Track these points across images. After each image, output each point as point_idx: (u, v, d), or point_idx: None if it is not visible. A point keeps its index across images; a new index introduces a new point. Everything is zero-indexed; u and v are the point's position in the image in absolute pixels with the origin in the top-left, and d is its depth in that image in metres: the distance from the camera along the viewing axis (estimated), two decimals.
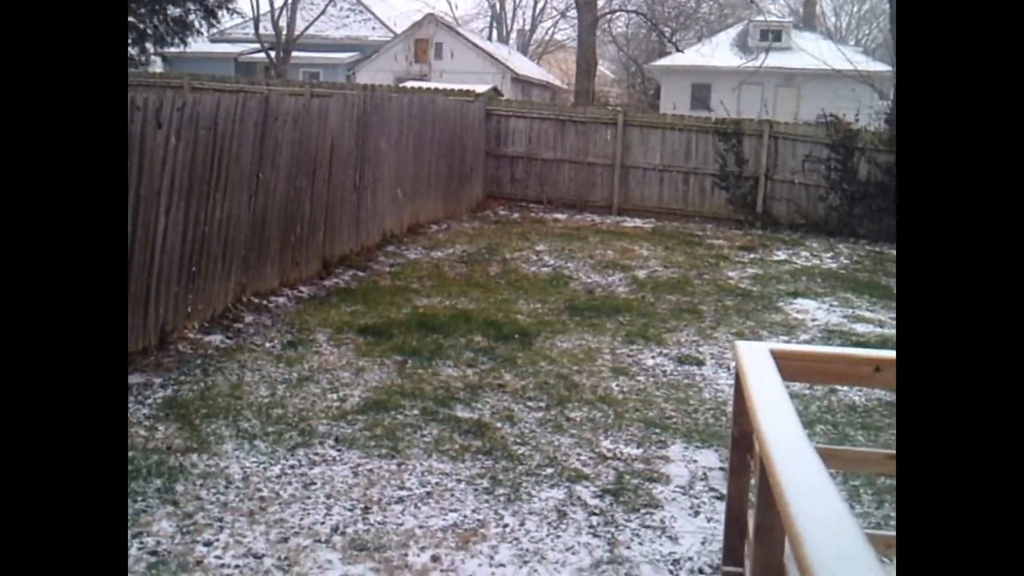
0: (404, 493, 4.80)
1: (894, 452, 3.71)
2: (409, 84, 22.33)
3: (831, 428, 6.18)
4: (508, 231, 13.92)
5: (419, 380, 6.62)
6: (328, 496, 4.71)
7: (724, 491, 4.33)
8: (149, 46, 24.82)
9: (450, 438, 5.58)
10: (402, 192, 12.51)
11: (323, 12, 38.40)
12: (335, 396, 6.20)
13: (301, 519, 4.45)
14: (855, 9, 55.01)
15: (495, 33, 52.45)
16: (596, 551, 4.31)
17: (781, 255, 13.43)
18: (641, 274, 11.26)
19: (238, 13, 30.22)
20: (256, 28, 35.62)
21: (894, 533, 3.95)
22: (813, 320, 9.40)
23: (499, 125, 16.98)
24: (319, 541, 4.25)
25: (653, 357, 7.70)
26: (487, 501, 4.76)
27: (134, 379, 6.22)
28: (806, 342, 8.31)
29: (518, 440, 5.63)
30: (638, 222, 15.87)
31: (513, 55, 43.75)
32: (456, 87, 20.63)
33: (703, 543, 4.46)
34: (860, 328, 9.17)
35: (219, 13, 23.87)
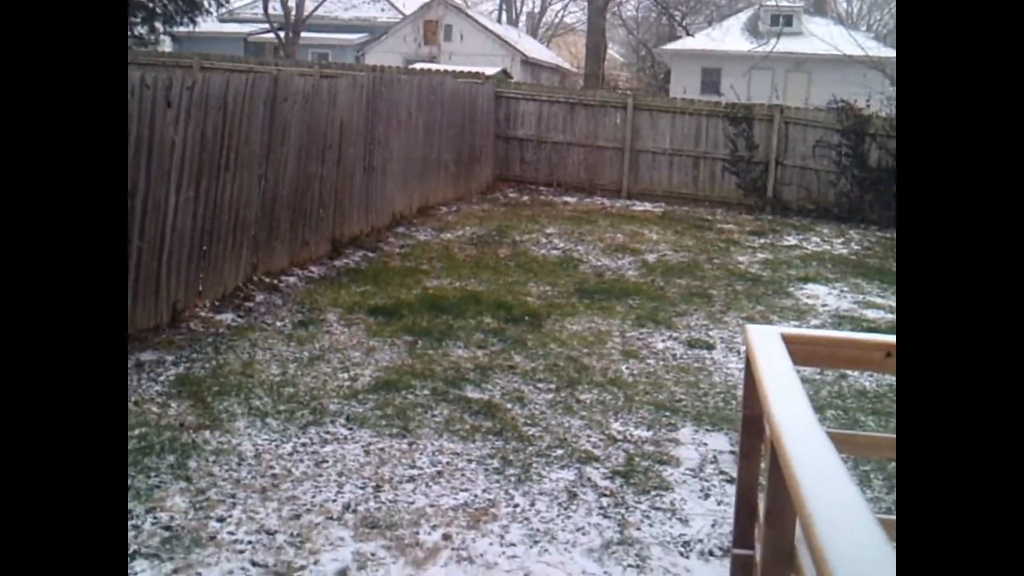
0: (415, 472, 4.83)
1: None
2: (418, 66, 22.27)
3: (841, 413, 6.19)
4: (518, 214, 13.92)
5: (429, 360, 6.65)
6: (340, 474, 4.74)
7: (734, 474, 4.35)
8: (158, 25, 24.77)
9: (461, 418, 5.61)
10: (412, 173, 12.51)
11: None
12: (346, 375, 6.23)
13: (313, 496, 4.48)
14: None
15: (505, 15, 52.26)
16: (606, 532, 4.34)
17: (791, 240, 13.41)
18: (651, 258, 11.26)
19: None
20: (265, 8, 35.55)
21: None
22: (823, 305, 9.40)
23: (509, 108, 16.95)
24: (331, 518, 4.28)
25: (663, 340, 7.71)
26: (498, 481, 4.79)
27: (146, 356, 6.26)
28: (816, 327, 8.31)
29: (528, 421, 5.65)
30: (648, 206, 15.85)
31: (523, 38, 43.60)
32: (465, 69, 20.57)
33: (713, 525, 4.49)
34: (871, 314, 9.16)
35: None
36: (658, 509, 4.62)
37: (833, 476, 2.14)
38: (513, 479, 4.83)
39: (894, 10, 41.81)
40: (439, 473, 4.84)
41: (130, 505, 4.23)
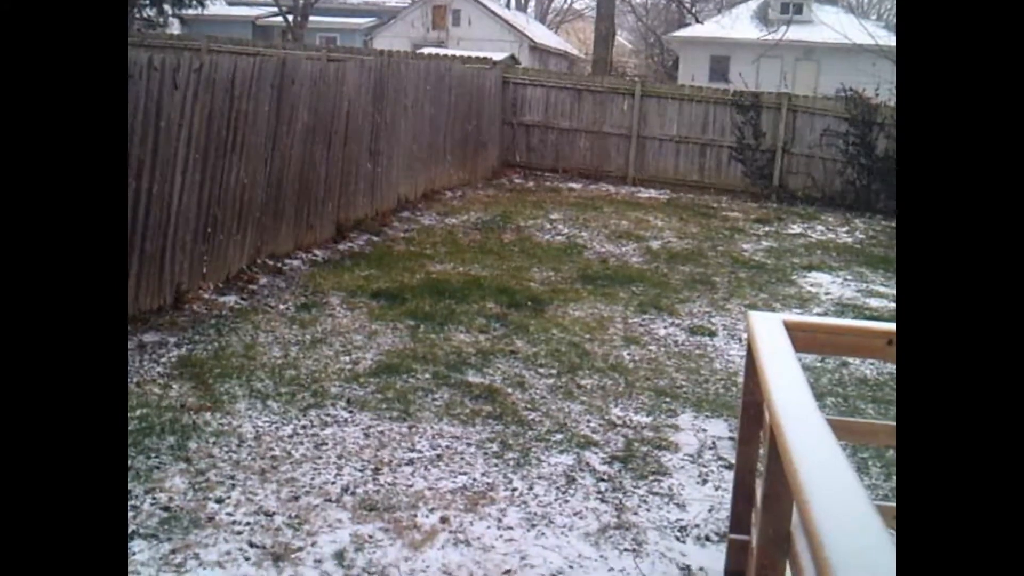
0: (414, 455, 4.84)
1: None
2: (426, 51, 22.22)
3: (842, 401, 6.18)
4: (523, 199, 13.90)
5: (431, 345, 6.64)
6: (339, 457, 4.75)
7: (732, 460, 4.34)
8: (167, 7, 24.76)
9: (461, 402, 5.61)
10: (418, 157, 12.49)
11: None
12: (347, 359, 6.24)
13: (312, 479, 4.49)
14: None
15: (513, 1, 52.06)
16: (604, 516, 4.35)
17: (796, 228, 13.38)
18: (655, 245, 11.24)
19: None
20: None
21: None
22: (827, 294, 9.38)
23: (516, 93, 16.90)
24: (329, 500, 4.29)
25: (665, 327, 7.70)
26: (496, 465, 4.80)
27: (149, 337, 6.27)
28: (819, 315, 8.30)
29: (528, 406, 5.65)
30: (653, 193, 15.82)
31: (531, 23, 43.45)
32: (473, 54, 20.50)
33: (710, 511, 4.48)
34: (874, 302, 9.14)
35: None
36: (656, 494, 4.62)
37: (831, 463, 2.13)
38: (512, 463, 4.83)
39: None
40: (438, 456, 4.84)
41: (129, 485, 4.24)
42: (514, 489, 4.54)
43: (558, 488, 4.59)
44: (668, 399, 5.98)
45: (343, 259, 9.18)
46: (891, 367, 6.78)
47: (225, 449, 4.74)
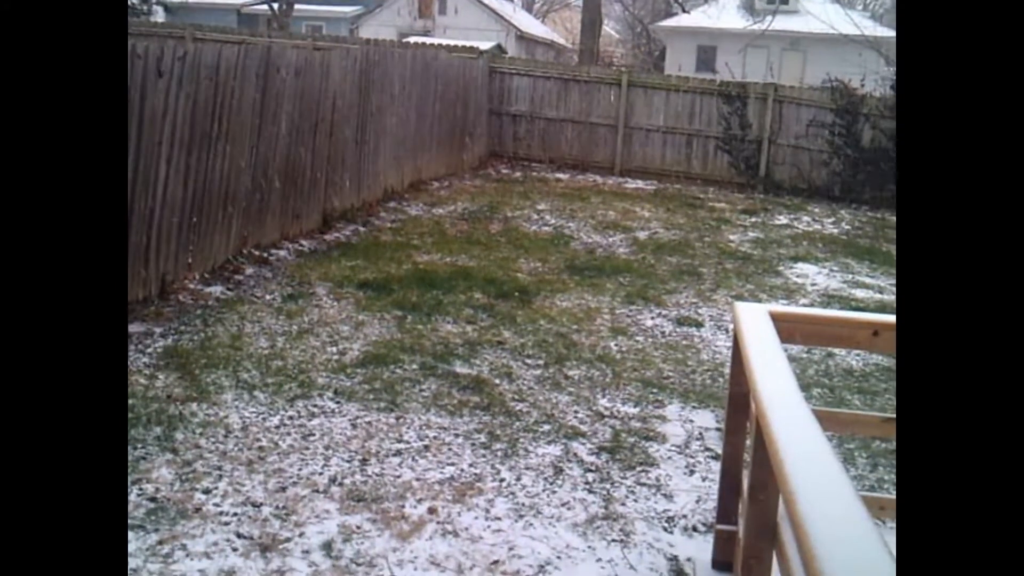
0: (402, 446, 4.84)
1: (890, 416, 3.74)
2: (412, 39, 22.13)
3: (828, 392, 6.21)
4: (510, 190, 13.89)
5: (418, 335, 6.64)
6: (326, 447, 4.75)
7: (719, 451, 4.36)
8: None
9: (448, 393, 5.62)
10: (404, 147, 12.46)
11: None
12: (335, 349, 6.23)
13: (299, 469, 4.49)
14: None
15: None
16: (591, 507, 4.36)
17: (783, 219, 13.41)
18: (642, 235, 11.25)
19: None
20: None
21: (887, 495, 4.00)
22: (813, 285, 9.42)
23: (503, 83, 16.86)
24: (317, 491, 4.29)
25: (652, 318, 7.72)
26: (484, 456, 4.80)
27: (135, 328, 6.24)
28: (805, 306, 8.33)
29: (516, 397, 5.66)
30: (640, 183, 15.83)
31: (518, 12, 43.33)
32: (460, 43, 20.45)
33: (697, 501, 4.51)
34: (860, 293, 9.19)
35: None
36: (643, 485, 4.64)
37: (817, 453, 2.14)
38: (500, 454, 4.84)
39: None
40: (426, 447, 4.85)
41: None
42: (502, 480, 4.55)
43: (546, 479, 4.60)
44: (655, 390, 6.00)
45: (330, 249, 9.16)
46: (877, 358, 6.82)
47: (212, 440, 4.73)
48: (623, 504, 4.42)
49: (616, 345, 6.87)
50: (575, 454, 4.92)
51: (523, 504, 4.32)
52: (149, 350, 5.91)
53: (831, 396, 6.13)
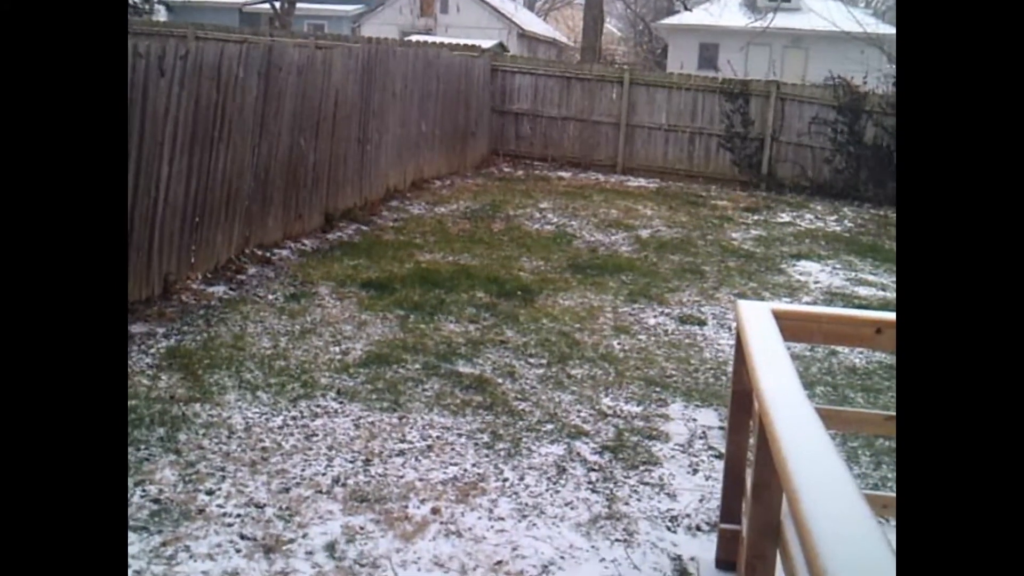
0: (405, 446, 4.83)
1: (893, 414, 3.73)
2: (414, 38, 22.13)
3: (831, 390, 6.20)
4: (512, 188, 13.88)
5: (421, 335, 6.64)
6: (329, 448, 4.75)
7: (723, 449, 4.35)
8: None
9: (451, 393, 5.61)
10: (406, 146, 12.45)
11: None
12: (337, 349, 6.22)
13: (303, 470, 4.48)
14: None
15: None
16: (594, 506, 4.35)
17: (785, 217, 13.40)
18: (644, 233, 11.24)
19: None
20: None
21: (891, 494, 3.99)
22: (816, 282, 9.41)
23: (504, 81, 16.85)
24: (320, 492, 4.28)
25: (655, 316, 7.71)
26: (487, 455, 4.80)
27: (137, 328, 6.24)
28: (808, 304, 8.32)
29: (519, 396, 5.66)
30: (642, 181, 15.82)
31: (519, 11, 43.30)
32: (462, 42, 20.43)
33: (701, 501, 4.50)
34: (863, 291, 9.17)
35: None
36: (646, 484, 4.64)
37: (820, 452, 2.14)
38: (503, 453, 4.84)
39: None
40: (429, 447, 4.84)
41: None
42: (505, 480, 4.55)
43: (549, 478, 4.60)
44: (658, 388, 5.99)
45: (332, 249, 9.16)
46: (880, 355, 6.81)
47: (215, 440, 4.73)
48: (626, 504, 4.42)
49: (619, 344, 6.86)
50: (578, 453, 4.92)
51: (526, 504, 4.32)
52: (152, 350, 5.91)
53: (834, 394, 6.12)
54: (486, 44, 22.89)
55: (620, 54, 41.20)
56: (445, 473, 4.57)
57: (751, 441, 3.44)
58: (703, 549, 4.01)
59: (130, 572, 3.55)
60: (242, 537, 3.86)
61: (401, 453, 4.75)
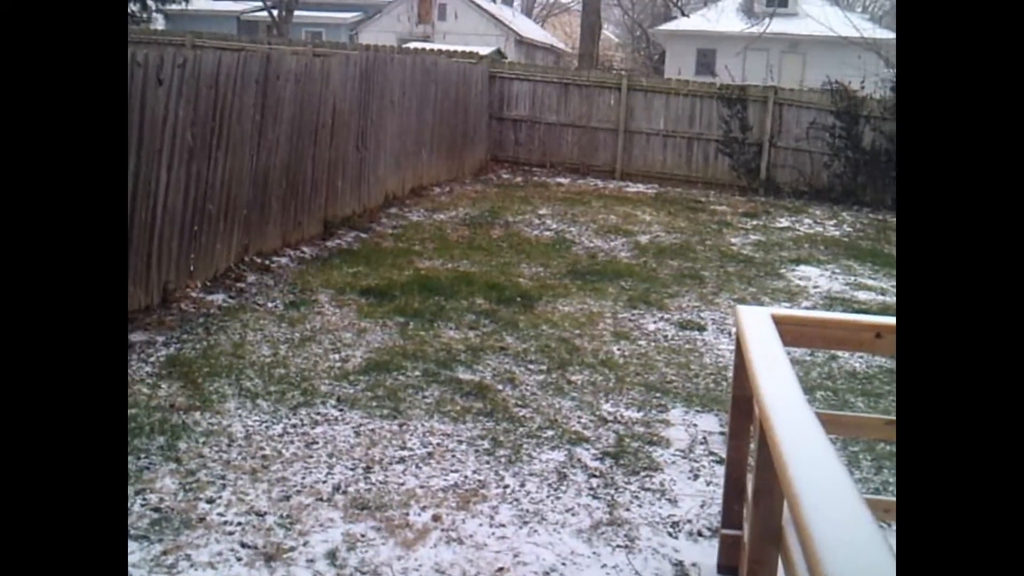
0: (405, 453, 4.83)
1: (893, 418, 3.73)
2: (412, 45, 22.17)
3: (831, 394, 6.20)
4: (511, 194, 13.89)
5: (421, 342, 6.64)
6: (330, 455, 4.74)
7: (724, 455, 4.35)
8: (151, 3, 24.62)
9: (451, 399, 5.61)
10: (405, 153, 12.46)
11: None
12: (337, 356, 6.22)
13: (303, 478, 4.48)
14: None
15: None
16: (596, 513, 4.35)
17: (784, 222, 13.41)
18: (643, 239, 11.25)
19: None
20: None
21: (892, 498, 3.99)
22: (815, 287, 9.41)
23: (502, 88, 16.88)
24: (321, 500, 4.28)
25: (655, 322, 7.71)
26: (488, 462, 4.80)
27: (137, 337, 6.24)
28: (808, 309, 8.32)
29: (519, 402, 5.65)
30: (641, 187, 15.83)
31: (517, 17, 43.40)
32: (459, 49, 20.48)
33: (702, 506, 4.50)
34: (862, 296, 9.18)
35: None
36: (647, 490, 4.63)
37: (821, 456, 2.14)
38: (503, 460, 4.83)
39: None
40: (429, 454, 4.84)
41: None
42: (506, 486, 4.54)
43: (550, 485, 4.59)
44: (659, 394, 5.99)
45: (331, 256, 9.16)
46: (880, 360, 6.81)
47: (215, 449, 4.72)
48: (627, 509, 4.41)
49: (619, 349, 6.86)
50: (579, 459, 4.92)
51: (527, 510, 4.31)
52: (152, 359, 5.91)
53: (834, 399, 6.12)
54: (484, 51, 22.92)
55: (618, 60, 41.28)
56: (446, 480, 4.56)
57: (752, 446, 3.44)
58: (704, 555, 4.01)
59: None
60: (243, 545, 3.86)
61: (402, 460, 4.74)
